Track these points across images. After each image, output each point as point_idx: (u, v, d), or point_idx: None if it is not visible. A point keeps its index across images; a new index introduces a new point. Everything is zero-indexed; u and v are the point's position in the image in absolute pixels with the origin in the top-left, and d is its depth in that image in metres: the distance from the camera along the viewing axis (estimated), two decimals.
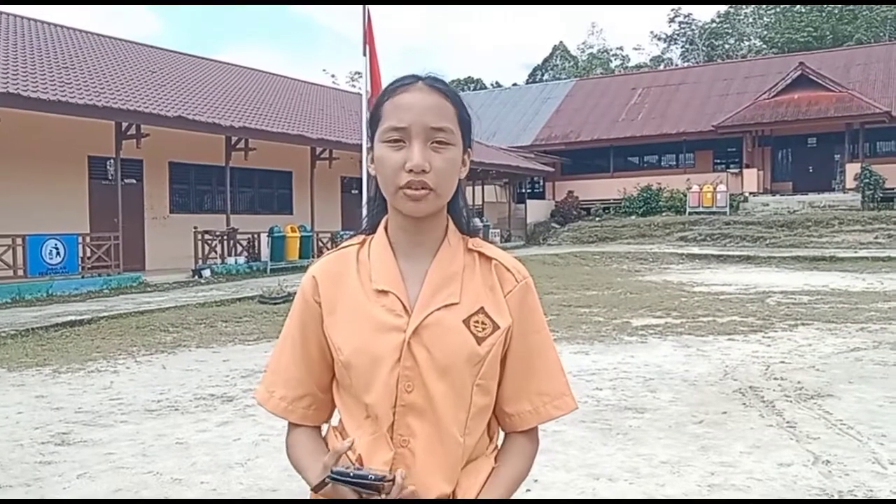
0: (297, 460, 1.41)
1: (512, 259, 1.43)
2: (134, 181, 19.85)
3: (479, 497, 1.35)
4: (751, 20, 59.93)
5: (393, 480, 1.24)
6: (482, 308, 1.36)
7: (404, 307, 1.34)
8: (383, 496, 1.24)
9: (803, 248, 23.82)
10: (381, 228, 1.43)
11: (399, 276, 1.37)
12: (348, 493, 1.25)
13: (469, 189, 31.27)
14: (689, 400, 6.19)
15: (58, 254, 15.75)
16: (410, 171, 1.30)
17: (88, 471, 4.68)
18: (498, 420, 1.44)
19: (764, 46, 55.65)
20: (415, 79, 1.37)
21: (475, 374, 1.34)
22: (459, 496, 1.34)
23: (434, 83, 1.36)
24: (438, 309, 1.34)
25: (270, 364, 1.44)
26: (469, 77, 67.04)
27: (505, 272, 1.40)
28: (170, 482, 4.46)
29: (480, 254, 1.41)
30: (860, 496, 4.03)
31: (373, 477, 1.23)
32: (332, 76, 62.28)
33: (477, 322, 1.35)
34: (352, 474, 1.24)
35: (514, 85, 54.53)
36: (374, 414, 1.33)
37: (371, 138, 1.40)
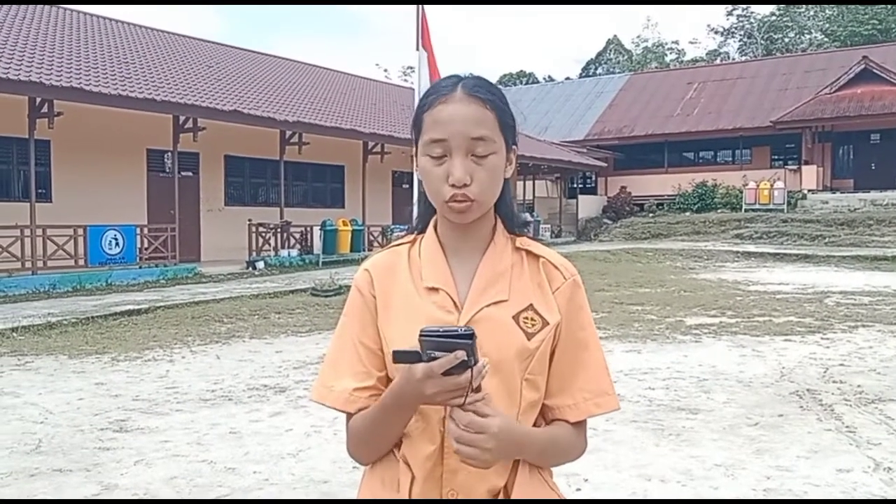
0: (370, 415, 1.35)
1: (559, 257, 1.44)
2: (190, 174, 20.27)
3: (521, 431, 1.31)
4: (812, 13, 58.31)
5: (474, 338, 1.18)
6: (531, 304, 1.37)
7: (455, 304, 1.36)
8: (471, 371, 1.17)
9: (864, 248, 23.15)
10: (430, 228, 1.45)
11: (449, 273, 1.39)
12: (433, 372, 1.17)
13: (520, 184, 31.16)
14: (743, 401, 6.07)
15: (117, 244, 16.18)
16: (453, 185, 1.32)
17: (145, 458, 4.79)
18: (540, 413, 1.44)
19: (826, 40, 54.13)
20: (453, 86, 1.35)
21: (524, 368, 1.35)
22: (511, 494, 1.33)
23: (473, 90, 1.34)
24: (488, 305, 1.35)
25: (328, 361, 1.43)
26: (521, 71, 66.69)
27: (553, 269, 1.41)
28: (223, 471, 4.54)
29: (528, 252, 1.42)
30: None
31: (462, 329, 1.17)
32: (385, 70, 62.72)
33: (526, 318, 1.36)
34: (441, 330, 1.18)
35: (567, 79, 54.12)
36: (425, 408, 1.32)
37: (415, 144, 1.41)
